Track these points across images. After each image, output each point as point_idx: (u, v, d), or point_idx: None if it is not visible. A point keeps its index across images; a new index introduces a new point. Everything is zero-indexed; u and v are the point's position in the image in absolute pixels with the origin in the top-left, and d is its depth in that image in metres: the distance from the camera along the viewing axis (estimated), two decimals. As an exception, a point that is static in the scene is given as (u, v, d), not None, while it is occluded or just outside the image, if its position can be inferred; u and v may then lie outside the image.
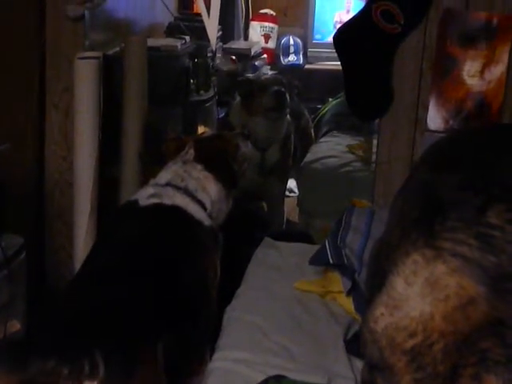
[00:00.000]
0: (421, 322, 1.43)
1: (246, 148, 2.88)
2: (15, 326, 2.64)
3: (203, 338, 2.42)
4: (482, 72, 3.09)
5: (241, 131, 3.12)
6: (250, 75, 4.96)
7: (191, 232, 2.50)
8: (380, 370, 1.54)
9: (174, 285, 2.28)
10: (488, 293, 1.38)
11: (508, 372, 1.37)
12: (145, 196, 2.55)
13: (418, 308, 1.43)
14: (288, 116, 4.37)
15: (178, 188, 2.57)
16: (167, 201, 2.51)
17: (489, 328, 1.38)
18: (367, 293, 1.99)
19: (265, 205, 4.63)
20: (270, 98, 4.17)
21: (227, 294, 2.62)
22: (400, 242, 1.57)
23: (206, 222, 2.56)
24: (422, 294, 1.43)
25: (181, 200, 2.53)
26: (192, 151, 2.70)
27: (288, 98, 4.21)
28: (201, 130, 4.36)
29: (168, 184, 2.60)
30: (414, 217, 1.61)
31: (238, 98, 4.47)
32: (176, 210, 2.51)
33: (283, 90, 4.17)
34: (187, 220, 2.51)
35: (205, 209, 2.59)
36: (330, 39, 6.21)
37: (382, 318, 1.49)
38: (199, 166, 2.65)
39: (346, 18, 6.07)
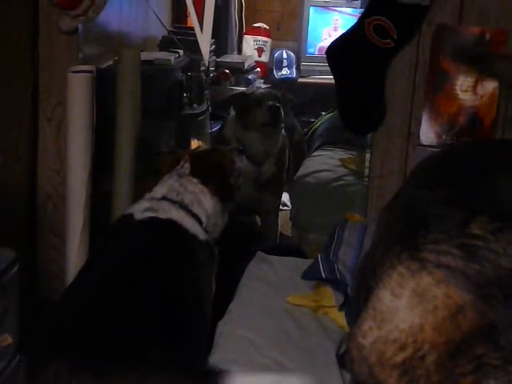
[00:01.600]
0: (411, 334, 1.43)
1: (241, 163, 2.87)
2: (7, 339, 2.63)
3: (197, 352, 2.41)
4: (474, 87, 3.10)
5: (236, 146, 3.12)
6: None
7: (186, 246, 2.50)
8: None
9: (168, 298, 2.28)
10: (475, 300, 1.39)
11: (507, 374, 1.38)
12: (140, 210, 2.55)
13: (407, 320, 1.44)
14: (283, 130, 4.37)
15: (173, 202, 2.57)
16: (162, 215, 2.51)
17: (481, 334, 1.39)
18: (354, 308, 1.99)
19: (258, 218, 4.63)
20: (264, 113, 4.15)
21: (220, 308, 2.62)
22: (384, 255, 1.58)
23: (202, 236, 2.56)
24: (410, 306, 1.44)
25: (176, 214, 2.53)
26: (188, 165, 2.70)
27: (283, 112, 4.20)
28: (195, 144, 4.36)
29: (163, 198, 2.60)
30: (398, 230, 1.63)
31: (232, 113, 4.46)
32: (171, 224, 2.51)
33: (278, 104, 4.16)
34: (182, 234, 2.51)
35: (200, 223, 2.59)
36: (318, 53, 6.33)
37: (371, 331, 1.49)
38: (195, 180, 2.65)
39: (334, 34, 6.13)
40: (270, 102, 4.15)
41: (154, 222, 2.50)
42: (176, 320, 2.26)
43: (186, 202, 2.58)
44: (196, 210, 2.59)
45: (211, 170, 2.70)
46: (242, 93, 4.55)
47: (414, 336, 1.42)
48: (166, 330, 2.20)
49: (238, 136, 4.20)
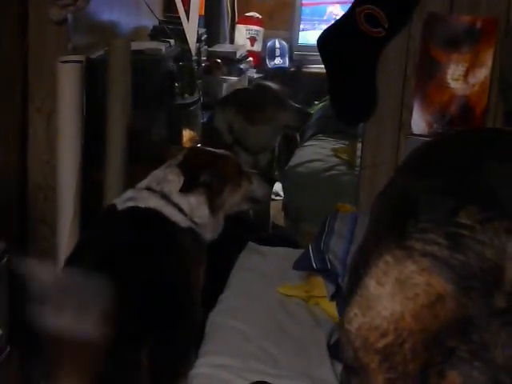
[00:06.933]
0: (392, 322, 1.44)
1: (260, 190, 2.82)
2: (-3, 331, 2.63)
3: (187, 341, 2.41)
4: (465, 76, 3.10)
5: (262, 172, 3.03)
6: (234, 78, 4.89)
7: (165, 233, 2.49)
8: (355, 372, 1.56)
9: (147, 285, 2.26)
10: (455, 290, 1.40)
11: (471, 368, 1.39)
12: (122, 200, 2.56)
13: (389, 307, 1.45)
14: None
15: (154, 191, 2.57)
16: (142, 203, 2.52)
17: (456, 326, 1.40)
18: (347, 298, 2.00)
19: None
20: (292, 116, 4.14)
21: (211, 298, 2.62)
22: (375, 245, 1.58)
23: (184, 223, 2.55)
24: (392, 294, 1.45)
25: (155, 202, 2.53)
26: (181, 157, 2.69)
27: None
28: (187, 134, 4.35)
29: (146, 188, 2.60)
30: (388, 220, 1.63)
31: (225, 103, 4.39)
32: (150, 212, 2.51)
33: (309, 111, 4.17)
34: (161, 221, 2.51)
35: (183, 212, 2.57)
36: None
37: (356, 318, 1.51)
38: (177, 170, 2.63)
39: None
40: (297, 105, 4.15)
41: (133, 211, 2.51)
42: (163, 308, 2.26)
43: (165, 191, 2.58)
44: (176, 199, 2.58)
45: (199, 167, 2.66)
46: (247, 88, 4.47)
47: (395, 323, 1.44)
48: (154, 318, 2.20)
49: (239, 129, 4.16)
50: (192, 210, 2.58)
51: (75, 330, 2.00)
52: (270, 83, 4.43)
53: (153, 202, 2.53)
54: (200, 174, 2.62)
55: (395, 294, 1.44)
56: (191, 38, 3.17)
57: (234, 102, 4.26)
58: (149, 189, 2.59)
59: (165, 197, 2.56)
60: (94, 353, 1.96)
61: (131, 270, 2.25)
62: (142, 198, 2.54)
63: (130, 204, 2.53)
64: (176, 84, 4.35)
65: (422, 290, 1.42)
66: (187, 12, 3.01)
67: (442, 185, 1.60)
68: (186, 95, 4.48)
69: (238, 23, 6.73)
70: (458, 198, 1.50)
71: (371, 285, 1.49)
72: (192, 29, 3.11)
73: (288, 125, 4.15)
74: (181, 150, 2.82)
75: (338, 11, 6.38)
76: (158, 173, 2.66)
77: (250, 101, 4.18)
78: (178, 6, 3.05)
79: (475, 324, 1.39)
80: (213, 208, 2.63)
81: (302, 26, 6.66)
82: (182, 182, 2.59)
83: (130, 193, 2.60)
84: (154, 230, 2.47)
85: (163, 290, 2.29)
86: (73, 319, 2.03)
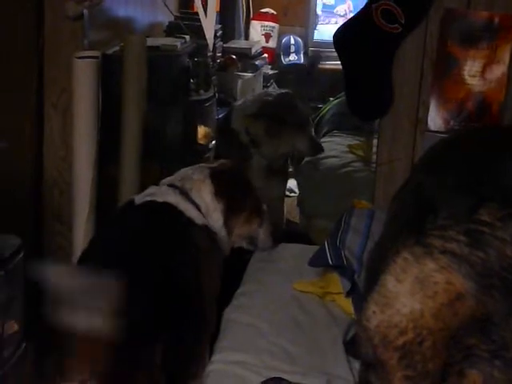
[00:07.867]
0: (411, 320, 1.44)
1: (265, 239, 2.80)
2: (13, 327, 2.63)
3: (200, 340, 2.40)
4: (482, 72, 3.08)
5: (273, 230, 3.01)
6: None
7: (179, 228, 2.48)
8: (374, 368, 1.56)
9: (164, 282, 2.25)
10: (475, 288, 1.40)
11: (491, 367, 1.39)
12: (142, 195, 2.56)
13: (408, 305, 1.45)
14: None
15: (174, 187, 2.57)
16: (159, 198, 2.51)
17: (475, 324, 1.40)
18: (365, 295, 2.00)
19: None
20: (307, 145, 4.14)
21: (227, 295, 2.61)
22: (393, 242, 1.58)
23: (199, 220, 2.53)
24: (411, 292, 1.45)
25: (172, 198, 2.52)
26: (215, 164, 2.70)
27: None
28: (201, 130, 4.35)
29: (168, 184, 2.59)
30: (407, 217, 1.63)
31: (245, 107, 4.34)
32: (166, 207, 2.50)
33: (321, 144, 4.20)
34: (176, 216, 2.50)
35: (199, 210, 2.56)
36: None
37: (374, 315, 1.51)
38: (206, 171, 2.63)
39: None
40: (312, 134, 4.16)
41: (150, 205, 2.50)
42: (176, 306, 2.25)
43: (185, 187, 2.57)
44: (194, 196, 2.57)
45: (229, 175, 2.67)
46: (272, 99, 4.43)
47: (415, 321, 1.44)
48: (167, 317, 2.19)
49: (256, 137, 4.13)
50: (208, 211, 2.57)
51: (88, 328, 2.00)
52: (295, 99, 4.33)
53: (170, 197, 2.52)
54: (228, 181, 2.62)
55: (415, 292, 1.44)
56: (209, 34, 3.16)
57: (253, 109, 4.23)
58: (170, 185, 2.58)
59: (184, 193, 2.55)
60: (107, 351, 1.96)
61: (143, 265, 2.24)
62: (160, 192, 2.54)
63: (148, 198, 2.53)
64: (191, 80, 4.34)
65: (442, 289, 1.41)
66: (205, 7, 3.00)
67: (459, 182, 1.61)
68: (202, 91, 4.46)
69: (253, 19, 6.72)
70: (476, 195, 1.50)
71: (390, 282, 1.49)
72: (210, 24, 3.10)
73: (299, 150, 4.16)
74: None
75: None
76: (185, 171, 2.66)
77: (271, 113, 4.14)
78: (196, 0, 3.04)
79: (495, 323, 1.38)
80: (226, 224, 2.62)
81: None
82: (206, 182, 2.59)
83: (151, 189, 2.59)
84: (167, 224, 2.46)
85: (175, 286, 2.28)
86: (86, 317, 2.04)
